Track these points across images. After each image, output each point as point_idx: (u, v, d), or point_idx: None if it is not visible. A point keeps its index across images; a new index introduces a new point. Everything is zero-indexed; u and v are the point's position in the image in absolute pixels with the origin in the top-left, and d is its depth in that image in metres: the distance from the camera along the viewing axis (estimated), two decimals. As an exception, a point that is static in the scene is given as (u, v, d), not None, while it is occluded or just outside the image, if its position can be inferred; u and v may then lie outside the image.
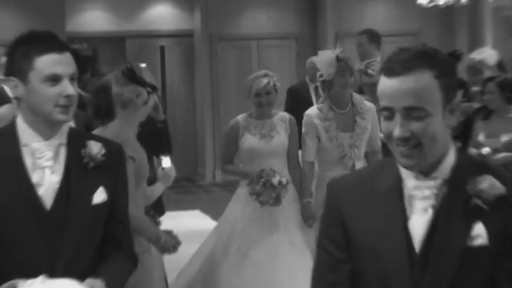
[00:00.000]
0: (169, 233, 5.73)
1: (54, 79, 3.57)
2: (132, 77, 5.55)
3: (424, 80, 2.79)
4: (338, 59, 7.07)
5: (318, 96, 12.78)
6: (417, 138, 2.79)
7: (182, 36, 20.22)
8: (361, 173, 3.27)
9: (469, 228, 2.83)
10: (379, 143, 7.16)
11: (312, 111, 7.32)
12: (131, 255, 3.97)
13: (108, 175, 3.78)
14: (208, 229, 13.83)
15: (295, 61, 19.56)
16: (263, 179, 7.01)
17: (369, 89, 8.97)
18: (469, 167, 2.90)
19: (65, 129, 3.70)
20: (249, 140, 7.32)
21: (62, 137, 3.69)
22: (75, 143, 3.72)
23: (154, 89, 5.67)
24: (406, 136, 2.77)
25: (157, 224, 6.80)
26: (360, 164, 7.00)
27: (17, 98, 3.69)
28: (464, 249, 2.81)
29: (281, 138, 7.39)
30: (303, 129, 7.29)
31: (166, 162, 6.44)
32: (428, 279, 2.82)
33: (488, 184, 2.83)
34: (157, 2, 20.04)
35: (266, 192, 7.01)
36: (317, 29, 19.88)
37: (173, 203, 12.92)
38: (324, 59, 7.27)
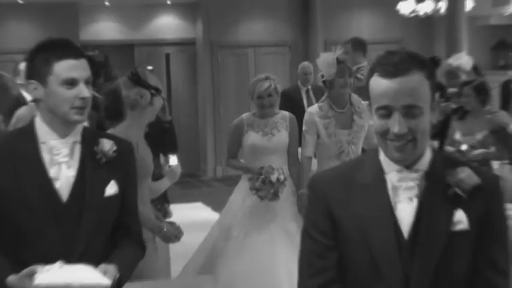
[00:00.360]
0: (172, 224, 5.76)
1: (71, 83, 3.58)
2: (137, 80, 5.57)
3: (418, 80, 2.83)
4: (338, 61, 7.03)
5: (308, 98, 12.88)
6: (413, 134, 2.82)
7: (185, 44, 20.11)
8: (341, 167, 3.20)
9: (451, 214, 2.87)
10: (376, 141, 6.84)
11: (313, 109, 7.26)
12: (139, 242, 3.98)
13: (118, 170, 3.77)
14: (210, 219, 13.84)
15: (288, 67, 19.48)
16: (262, 176, 6.98)
17: (356, 91, 8.97)
18: (444, 161, 2.96)
19: (79, 128, 3.69)
20: (252, 137, 7.30)
21: (76, 135, 3.69)
22: (89, 141, 3.72)
23: (157, 90, 5.63)
24: (404, 132, 2.80)
25: (169, 214, 6.88)
26: None
27: (36, 100, 3.69)
28: (448, 234, 2.85)
29: (282, 136, 7.35)
30: (304, 126, 7.22)
31: (173, 160, 6.40)
32: (418, 262, 2.83)
33: (466, 174, 2.90)
34: (162, 13, 19.97)
35: (265, 188, 7.00)
36: (308, 38, 19.82)
37: (178, 196, 12.90)
38: (325, 60, 7.18)
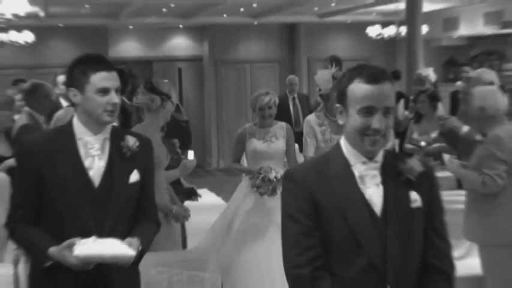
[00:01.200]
0: (181, 206, 5.74)
1: (104, 91, 3.61)
2: (149, 88, 5.62)
3: (390, 87, 2.88)
4: (333, 77, 6.52)
5: (294, 104, 12.80)
6: (386, 130, 2.86)
7: (194, 61, 20.08)
8: (312, 162, 3.17)
9: (408, 195, 2.92)
10: (389, 147, 6.58)
11: (311, 117, 6.84)
12: (156, 221, 3.98)
13: (140, 162, 3.78)
14: (214, 202, 13.96)
15: (278, 79, 19.50)
16: (262, 175, 6.81)
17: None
18: (391, 154, 3.01)
19: (109, 127, 3.72)
20: (254, 144, 7.04)
21: (106, 133, 3.70)
22: (116, 137, 3.74)
23: (167, 96, 5.65)
24: (383, 128, 2.83)
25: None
26: None
27: (74, 104, 3.70)
28: (409, 210, 2.91)
29: (279, 143, 7.08)
30: (304, 131, 6.86)
31: (190, 155, 6.44)
32: (391, 234, 2.85)
33: (414, 163, 2.96)
34: (176, 35, 19.97)
35: (264, 185, 6.82)
36: (294, 56, 19.84)
37: (187, 183, 12.90)
38: (323, 77, 6.73)
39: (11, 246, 4.91)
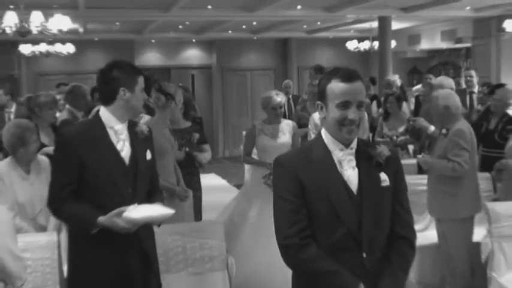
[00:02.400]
0: (183, 188, 5.67)
1: (143, 90, 3.79)
2: (157, 88, 5.66)
3: (361, 85, 2.89)
4: None
5: (289, 104, 12.55)
6: (359, 121, 2.87)
7: (205, 68, 20.03)
8: (298, 149, 3.15)
9: (378, 176, 2.93)
10: (365, 137, 6.22)
11: (315, 115, 6.58)
12: (161, 192, 4.11)
13: (149, 144, 3.88)
14: (220, 184, 14.03)
15: (273, 84, 19.40)
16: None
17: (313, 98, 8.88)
18: (362, 142, 3.00)
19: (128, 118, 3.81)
20: (263, 139, 6.72)
21: (126, 122, 3.78)
22: (132, 126, 3.82)
23: (171, 96, 5.64)
24: (357, 119, 2.85)
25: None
26: None
27: (113, 100, 3.72)
28: (380, 189, 2.92)
29: (286, 138, 6.69)
30: (309, 126, 6.68)
31: (206, 148, 6.71)
32: (365, 209, 2.86)
33: (383, 149, 2.98)
34: (189, 47, 19.92)
35: None
36: (286, 65, 19.81)
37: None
38: None
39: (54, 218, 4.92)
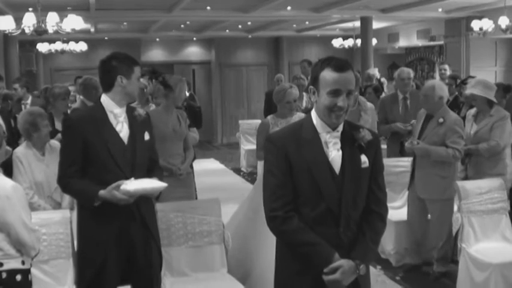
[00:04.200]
0: (178, 168, 5.61)
1: (139, 78, 3.87)
2: (161, 81, 5.70)
3: (352, 75, 2.83)
4: None
5: None
6: (348, 108, 2.83)
7: (204, 64, 19.97)
8: (288, 128, 3.03)
9: (359, 158, 2.90)
10: (375, 131, 5.95)
11: None
12: (161, 169, 4.21)
13: (147, 126, 3.93)
14: (218, 168, 14.03)
15: (266, 78, 19.46)
16: None
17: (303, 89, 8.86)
18: (348, 126, 2.95)
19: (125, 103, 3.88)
20: None
21: (125, 107, 3.84)
22: (130, 110, 3.88)
23: (170, 88, 5.61)
24: (346, 106, 2.80)
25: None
26: None
27: (112, 86, 3.79)
28: (360, 169, 2.89)
29: None
30: None
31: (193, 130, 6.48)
32: (346, 187, 2.84)
33: (365, 133, 2.93)
34: (191, 45, 19.83)
35: None
36: (278, 60, 19.75)
37: (200, 154, 12.90)
38: None
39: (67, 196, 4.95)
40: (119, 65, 3.77)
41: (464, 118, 6.53)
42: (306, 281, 2.86)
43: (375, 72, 11.21)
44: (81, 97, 7.31)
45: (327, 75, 2.79)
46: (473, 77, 7.82)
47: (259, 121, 14.01)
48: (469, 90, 6.01)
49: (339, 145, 2.88)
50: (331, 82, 2.79)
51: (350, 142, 2.91)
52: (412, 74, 7.28)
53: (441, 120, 5.80)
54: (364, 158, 2.91)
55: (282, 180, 2.82)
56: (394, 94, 7.43)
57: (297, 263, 2.87)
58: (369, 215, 2.95)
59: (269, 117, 5.95)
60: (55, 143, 5.25)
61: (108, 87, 3.80)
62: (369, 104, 5.82)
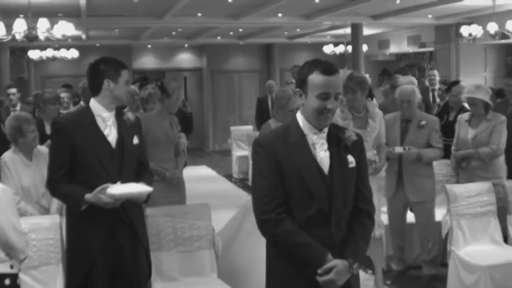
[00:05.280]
0: (172, 172, 5.65)
1: (127, 82, 3.84)
2: (159, 85, 5.71)
3: (339, 78, 2.87)
4: (348, 78, 5.57)
5: (272, 103, 12.41)
6: (335, 110, 2.87)
7: (196, 71, 20.01)
8: (275, 131, 3.06)
9: (346, 158, 2.91)
10: (384, 140, 5.75)
11: (336, 111, 6.01)
12: (150, 172, 4.16)
13: (136, 130, 3.92)
14: (209, 174, 14.04)
15: (258, 85, 19.52)
16: None
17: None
18: (333, 127, 2.97)
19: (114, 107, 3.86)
20: None
21: (113, 111, 3.83)
22: (119, 114, 3.88)
23: (167, 93, 5.63)
24: (334, 109, 2.83)
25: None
26: (369, 155, 5.25)
27: (100, 90, 3.79)
28: (348, 169, 2.91)
29: None
30: None
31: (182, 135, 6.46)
32: (335, 188, 2.85)
33: (350, 134, 2.96)
34: (182, 51, 19.89)
35: None
36: (269, 67, 19.82)
37: (191, 161, 12.88)
38: (340, 76, 5.71)
39: (57, 200, 4.92)
40: (106, 68, 3.77)
41: (453, 123, 6.56)
42: (298, 285, 2.86)
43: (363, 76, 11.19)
44: (82, 102, 7.37)
45: (316, 78, 2.81)
46: (458, 82, 7.89)
47: (251, 127, 14.13)
48: (470, 94, 5.98)
49: (326, 146, 2.89)
50: (320, 85, 2.80)
51: (336, 143, 2.92)
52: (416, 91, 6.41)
53: (423, 122, 5.93)
54: (351, 158, 2.92)
55: (274, 183, 2.82)
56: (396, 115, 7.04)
57: (288, 267, 2.86)
58: (357, 214, 2.96)
59: (270, 121, 5.88)
60: (43, 149, 5.23)
61: (95, 91, 3.80)
62: (378, 111, 5.70)
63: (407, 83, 7.36)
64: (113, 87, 3.75)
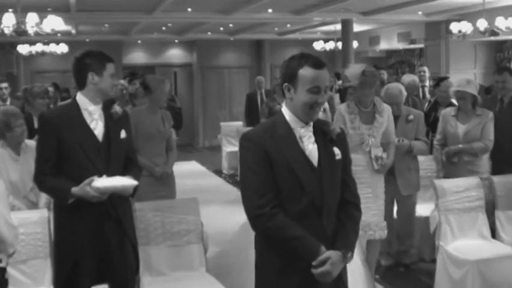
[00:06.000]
0: (161, 168, 5.67)
1: (113, 76, 3.80)
2: (141, 82, 5.83)
3: (328, 72, 2.88)
4: (363, 73, 5.49)
5: (261, 98, 12.30)
6: (323, 103, 2.90)
7: (186, 66, 19.97)
8: (262, 126, 3.03)
9: (332, 150, 2.94)
10: (394, 137, 5.73)
11: (342, 106, 5.80)
12: (138, 167, 4.13)
13: (124, 124, 3.91)
14: (199, 170, 14.03)
15: (248, 81, 19.45)
16: None
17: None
18: (316, 121, 2.98)
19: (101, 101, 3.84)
20: None
21: (100, 104, 3.82)
22: (106, 107, 3.86)
23: (149, 89, 5.66)
24: (324, 102, 2.87)
25: None
26: (376, 151, 5.51)
27: (85, 84, 3.77)
28: (335, 161, 2.94)
29: None
30: (334, 118, 5.83)
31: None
32: (325, 179, 2.87)
33: (335, 126, 3.00)
34: (172, 47, 19.86)
35: None
36: (260, 63, 19.81)
37: (181, 157, 12.86)
38: (353, 71, 5.59)
39: (45, 195, 4.92)
40: (91, 62, 3.75)
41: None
42: (290, 281, 2.87)
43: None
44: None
45: (307, 72, 2.81)
46: (446, 78, 7.94)
47: (241, 123, 14.14)
48: (461, 88, 6.01)
49: (313, 139, 2.91)
50: (312, 79, 2.81)
51: (322, 136, 2.94)
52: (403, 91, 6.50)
53: (411, 117, 6.08)
54: (337, 150, 2.95)
55: (265, 177, 2.81)
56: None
57: (280, 262, 2.87)
58: (345, 205, 2.99)
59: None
60: (31, 143, 5.19)
61: (81, 85, 3.79)
62: (386, 106, 5.68)
63: (410, 81, 7.47)
64: (97, 81, 3.74)
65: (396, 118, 5.96)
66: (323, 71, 2.83)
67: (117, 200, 3.74)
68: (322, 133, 2.95)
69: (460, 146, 5.97)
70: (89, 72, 3.73)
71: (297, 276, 2.85)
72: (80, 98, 3.79)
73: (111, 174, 3.66)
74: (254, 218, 2.82)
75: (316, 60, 2.83)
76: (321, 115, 5.25)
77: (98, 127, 3.76)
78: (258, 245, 2.98)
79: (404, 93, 6.17)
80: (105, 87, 3.77)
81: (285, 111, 2.93)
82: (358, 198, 3.07)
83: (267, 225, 2.80)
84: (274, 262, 2.89)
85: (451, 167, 6.09)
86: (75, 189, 3.59)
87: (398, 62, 17.78)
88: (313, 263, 2.78)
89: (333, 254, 2.80)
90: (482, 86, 7.93)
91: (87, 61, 3.76)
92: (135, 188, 3.74)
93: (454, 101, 6.86)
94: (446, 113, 6.26)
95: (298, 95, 2.84)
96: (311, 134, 2.91)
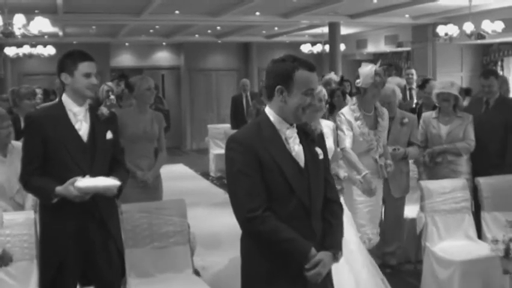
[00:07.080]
0: (144, 173, 5.64)
1: (87, 75, 3.73)
2: (125, 83, 5.76)
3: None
4: (376, 73, 5.38)
5: (247, 100, 12.29)
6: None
7: (174, 69, 19.96)
8: (248, 128, 2.98)
9: (315, 150, 2.97)
10: (386, 139, 5.67)
11: (346, 110, 5.56)
12: (125, 168, 4.12)
13: (111, 125, 3.90)
14: (187, 172, 14.01)
15: (236, 83, 19.35)
16: None
17: None
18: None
19: (87, 101, 3.84)
20: None
21: (86, 105, 3.82)
22: (93, 109, 3.87)
23: (131, 87, 5.70)
24: (316, 105, 2.92)
25: None
26: (382, 158, 5.45)
27: (65, 84, 3.78)
28: (319, 160, 2.96)
29: (329, 142, 4.23)
30: (338, 123, 5.44)
31: None
32: (312, 179, 2.89)
33: (316, 126, 3.04)
34: (160, 49, 19.85)
35: None
36: (247, 66, 19.84)
37: (168, 159, 12.82)
38: (365, 71, 5.46)
39: (31, 196, 4.88)
40: (65, 62, 3.75)
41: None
42: (279, 286, 2.86)
43: (331, 76, 11.15)
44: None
45: (303, 75, 2.81)
46: (429, 79, 8.02)
47: (228, 126, 14.10)
48: (446, 90, 6.11)
49: (297, 140, 2.91)
50: (307, 82, 2.83)
51: (304, 137, 2.96)
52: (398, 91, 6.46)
53: (406, 120, 6.11)
54: (319, 150, 2.98)
55: (256, 179, 2.78)
56: None
57: (269, 266, 2.86)
58: (329, 204, 3.01)
59: None
60: (18, 144, 5.13)
61: (63, 85, 3.80)
62: (384, 109, 5.68)
63: (396, 84, 7.48)
64: (70, 81, 3.73)
65: (390, 121, 5.97)
66: (315, 73, 2.86)
67: (102, 201, 3.73)
68: (304, 134, 2.96)
69: (445, 145, 6.09)
70: (62, 73, 3.74)
71: (286, 281, 2.84)
72: (65, 98, 3.79)
73: (95, 174, 3.64)
74: (246, 221, 2.79)
75: (308, 63, 2.86)
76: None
77: (82, 128, 3.76)
78: (246, 248, 2.95)
79: (398, 94, 6.22)
80: (78, 87, 3.73)
81: (269, 112, 2.91)
82: (337, 195, 3.13)
83: (259, 229, 2.78)
84: (263, 266, 2.87)
85: (434, 167, 6.18)
86: (59, 189, 3.58)
87: (386, 65, 17.82)
88: (306, 266, 2.79)
89: (324, 256, 2.82)
90: (462, 88, 8.01)
91: (62, 62, 3.77)
92: (120, 189, 3.72)
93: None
94: (427, 116, 6.41)
95: (292, 97, 2.82)
96: (296, 135, 2.92)
